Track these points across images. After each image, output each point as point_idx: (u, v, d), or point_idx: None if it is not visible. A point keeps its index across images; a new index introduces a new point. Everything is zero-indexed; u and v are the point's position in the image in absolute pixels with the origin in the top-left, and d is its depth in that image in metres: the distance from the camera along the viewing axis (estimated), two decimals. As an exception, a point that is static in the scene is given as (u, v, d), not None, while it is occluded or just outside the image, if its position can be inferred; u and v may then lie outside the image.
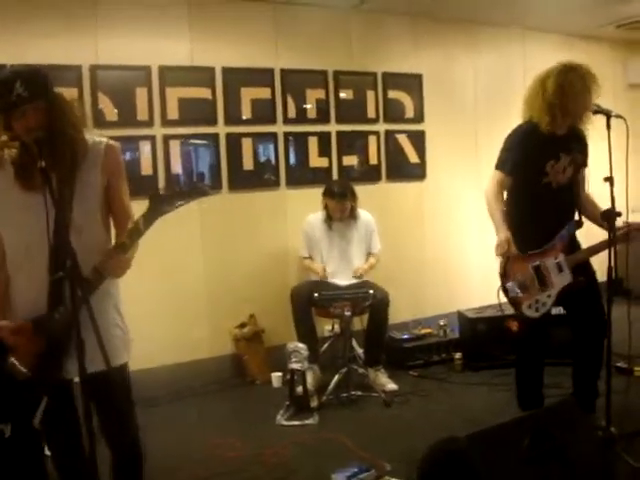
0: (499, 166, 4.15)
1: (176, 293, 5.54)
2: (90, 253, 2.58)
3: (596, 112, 3.77)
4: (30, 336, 2.60)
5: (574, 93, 3.87)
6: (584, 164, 4.19)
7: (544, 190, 4.03)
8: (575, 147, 4.10)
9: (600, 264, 3.98)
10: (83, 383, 2.32)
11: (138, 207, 2.83)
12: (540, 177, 4.02)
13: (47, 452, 3.42)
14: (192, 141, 5.69)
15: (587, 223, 4.18)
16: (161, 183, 5.46)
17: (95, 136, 2.78)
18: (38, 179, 2.58)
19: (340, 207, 5.55)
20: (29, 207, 2.61)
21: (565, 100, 3.89)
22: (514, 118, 6.58)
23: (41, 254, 2.58)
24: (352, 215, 5.66)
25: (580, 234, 4.19)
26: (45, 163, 2.38)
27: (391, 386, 5.29)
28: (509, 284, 4.00)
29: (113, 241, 2.83)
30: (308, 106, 6.17)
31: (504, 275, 4.04)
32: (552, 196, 4.04)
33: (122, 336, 2.84)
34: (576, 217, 4.16)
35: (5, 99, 2.49)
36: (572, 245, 4.10)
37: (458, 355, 5.80)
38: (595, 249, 4.00)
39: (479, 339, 5.73)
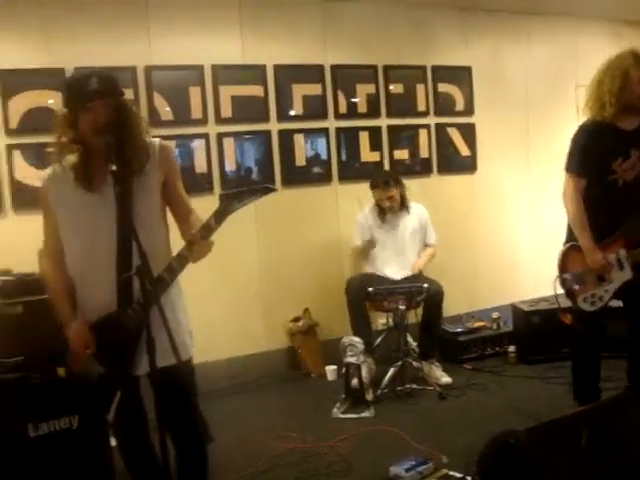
0: (570, 169, 3.98)
1: (232, 288, 5.63)
2: (154, 249, 2.66)
3: None
4: (101, 336, 2.71)
5: (630, 83, 3.77)
6: None
7: (609, 187, 3.90)
8: None
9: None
10: (154, 379, 2.41)
11: (193, 204, 2.94)
12: (606, 176, 3.88)
13: (113, 444, 3.55)
14: (245, 138, 5.78)
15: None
16: (215, 181, 5.56)
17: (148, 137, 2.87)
18: (98, 181, 2.68)
19: (386, 196, 5.54)
20: (93, 209, 2.71)
21: (622, 91, 3.77)
22: (567, 109, 6.54)
23: (108, 254, 2.66)
24: (404, 206, 5.66)
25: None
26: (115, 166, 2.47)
27: (445, 379, 5.31)
28: (566, 276, 3.97)
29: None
30: (358, 100, 6.20)
31: (562, 267, 4.01)
32: (617, 193, 3.90)
33: (188, 331, 2.93)
34: None
35: (79, 92, 2.59)
36: (637, 241, 3.94)
37: (512, 348, 5.78)
38: None
39: (533, 332, 5.70)
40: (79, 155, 2.69)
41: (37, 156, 4.86)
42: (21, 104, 4.90)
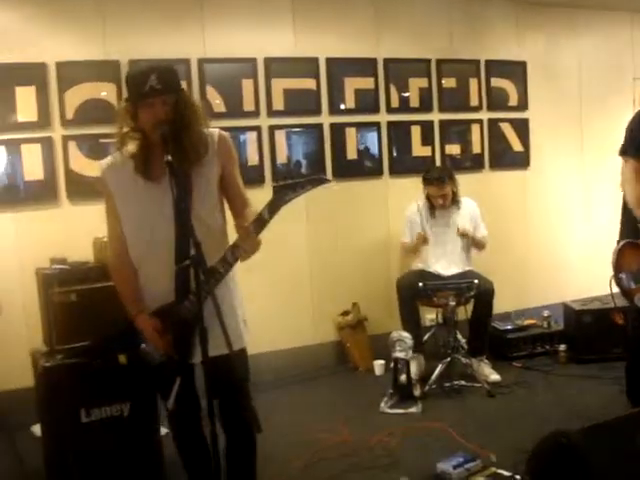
0: (625, 151, 3.87)
1: (282, 281, 5.65)
2: (212, 239, 2.70)
3: None
4: (166, 327, 2.74)
5: None
6: None
7: None
8: None
9: None
10: (207, 367, 2.43)
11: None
12: None
13: (162, 432, 3.59)
14: (296, 131, 5.79)
15: None
16: (267, 173, 5.58)
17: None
18: (157, 171, 2.70)
19: (439, 192, 5.50)
20: (152, 199, 2.73)
21: None
22: (623, 104, 6.38)
23: (166, 244, 2.69)
24: (454, 202, 5.61)
25: None
26: (171, 157, 2.49)
27: (494, 377, 5.26)
28: (622, 274, 3.88)
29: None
30: (410, 94, 6.16)
31: (617, 265, 3.92)
32: None
33: (243, 320, 2.95)
34: None
35: (139, 89, 2.62)
36: None
37: (562, 347, 5.70)
38: None
39: (585, 331, 5.61)
40: (139, 144, 2.72)
41: (91, 147, 4.95)
42: (77, 96, 4.97)
